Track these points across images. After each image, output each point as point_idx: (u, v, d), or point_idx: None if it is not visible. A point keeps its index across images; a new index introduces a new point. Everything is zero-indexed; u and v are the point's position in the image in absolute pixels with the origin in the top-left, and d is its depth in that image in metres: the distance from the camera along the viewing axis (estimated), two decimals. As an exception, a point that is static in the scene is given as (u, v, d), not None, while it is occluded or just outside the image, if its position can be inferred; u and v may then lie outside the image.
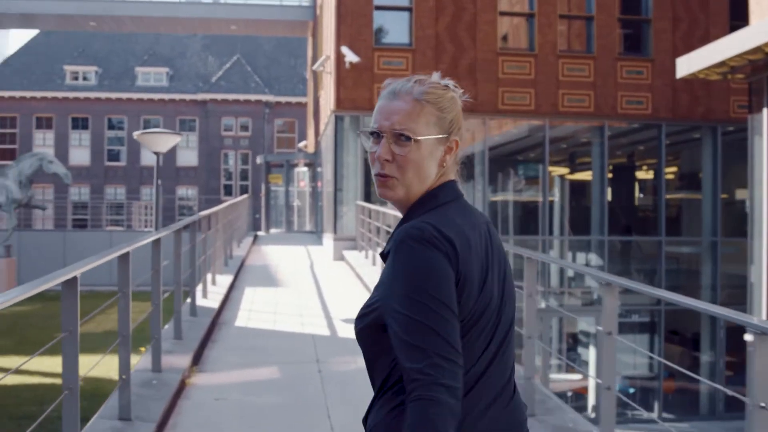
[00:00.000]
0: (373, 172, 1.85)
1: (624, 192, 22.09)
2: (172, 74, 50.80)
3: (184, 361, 7.06)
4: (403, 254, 1.69)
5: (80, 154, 48.28)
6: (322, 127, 23.93)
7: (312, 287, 13.71)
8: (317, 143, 27.32)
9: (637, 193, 22.51)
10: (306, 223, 32.03)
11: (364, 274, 14.12)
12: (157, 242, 6.42)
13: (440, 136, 1.83)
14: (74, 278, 3.99)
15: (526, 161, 22.20)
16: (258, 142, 48.74)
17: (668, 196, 20.35)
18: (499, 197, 20.85)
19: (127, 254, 5.16)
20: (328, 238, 20.37)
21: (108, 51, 51.37)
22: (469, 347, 1.72)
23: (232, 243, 16.50)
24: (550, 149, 19.85)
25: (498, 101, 19.26)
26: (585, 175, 21.40)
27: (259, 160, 32.71)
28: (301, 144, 40.34)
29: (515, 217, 20.89)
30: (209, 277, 11.79)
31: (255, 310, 10.91)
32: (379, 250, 11.03)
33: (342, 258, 18.02)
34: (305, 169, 31.89)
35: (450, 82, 1.88)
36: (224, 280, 12.64)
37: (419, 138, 1.79)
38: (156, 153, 11.97)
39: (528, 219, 20.63)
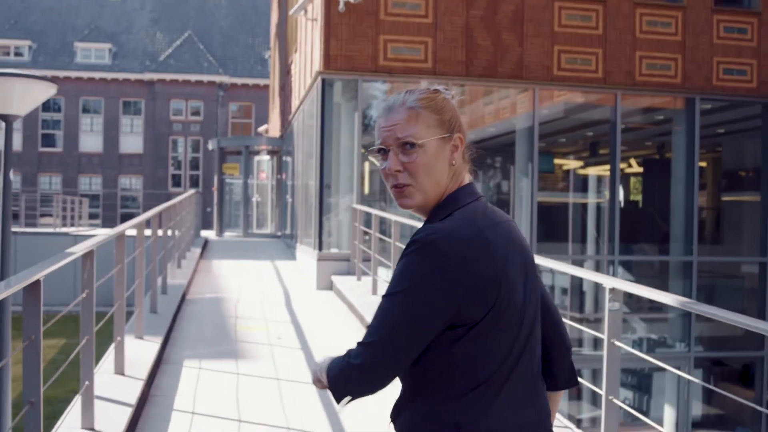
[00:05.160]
0: (388, 187, 1.86)
1: (712, 193, 16.68)
2: (116, 51, 46.48)
3: None
4: (414, 254, 1.69)
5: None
6: (294, 102, 18.10)
7: (296, 349, 8.10)
8: (286, 125, 21.55)
9: (724, 196, 16.97)
10: (267, 223, 26.67)
11: (367, 315, 8.85)
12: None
13: (443, 135, 1.82)
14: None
15: (588, 149, 16.62)
16: (210, 128, 43.69)
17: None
18: (548, 197, 15.30)
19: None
20: (306, 253, 14.66)
21: (44, 24, 47.06)
22: (492, 348, 1.71)
23: (166, 267, 10.73)
24: (621, 132, 14.28)
25: (553, 65, 13.57)
26: (663, 169, 16.07)
27: (211, 145, 26.93)
28: (262, 128, 34.47)
29: (575, 224, 15.40)
30: (108, 363, 6.09)
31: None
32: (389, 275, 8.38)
33: (330, 286, 12.42)
34: (267, 157, 26.40)
35: (440, 87, 1.88)
36: (145, 353, 6.88)
37: (422, 141, 1.80)
38: (4, 117, 6.19)
39: (584, 227, 15.11)
